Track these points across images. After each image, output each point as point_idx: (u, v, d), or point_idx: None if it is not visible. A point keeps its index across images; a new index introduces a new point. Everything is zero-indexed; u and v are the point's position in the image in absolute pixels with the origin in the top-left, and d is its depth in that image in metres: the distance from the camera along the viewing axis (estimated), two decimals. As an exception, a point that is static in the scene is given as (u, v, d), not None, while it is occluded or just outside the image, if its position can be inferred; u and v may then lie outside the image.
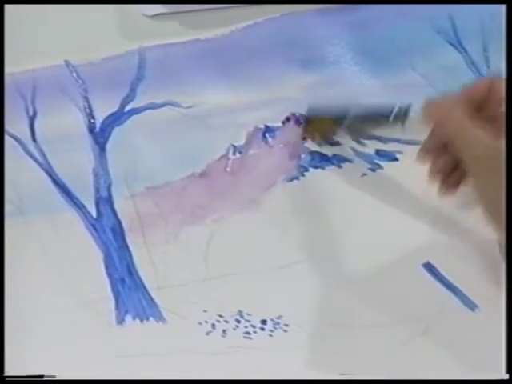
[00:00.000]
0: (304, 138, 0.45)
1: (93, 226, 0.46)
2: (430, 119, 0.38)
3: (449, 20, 0.44)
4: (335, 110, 0.43)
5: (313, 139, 0.45)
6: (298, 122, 0.45)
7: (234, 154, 0.46)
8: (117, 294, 0.45)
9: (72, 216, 0.46)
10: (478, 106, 0.38)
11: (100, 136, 0.47)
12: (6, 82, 0.46)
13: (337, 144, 0.45)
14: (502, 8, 0.43)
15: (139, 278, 0.45)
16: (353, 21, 0.45)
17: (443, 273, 0.43)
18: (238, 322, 0.44)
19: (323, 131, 0.44)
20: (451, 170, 0.40)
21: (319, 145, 0.45)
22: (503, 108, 0.37)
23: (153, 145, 0.46)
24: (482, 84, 0.38)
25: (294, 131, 0.45)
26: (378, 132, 0.43)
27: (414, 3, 0.44)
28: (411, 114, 0.39)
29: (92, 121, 0.47)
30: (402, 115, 0.39)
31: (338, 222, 0.44)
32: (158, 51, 0.46)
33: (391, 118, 0.40)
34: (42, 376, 0.45)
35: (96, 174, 0.46)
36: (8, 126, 0.47)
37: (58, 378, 0.45)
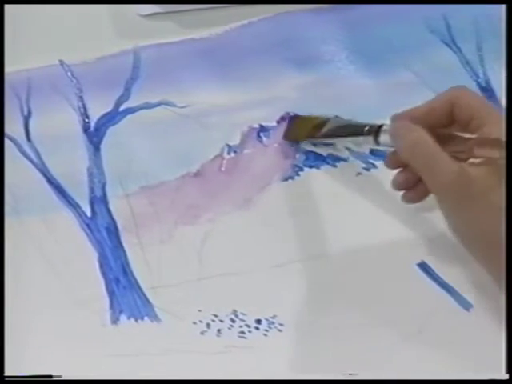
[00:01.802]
0: (285, 138, 0.45)
1: (87, 225, 0.46)
2: (396, 146, 0.38)
3: (443, 19, 0.44)
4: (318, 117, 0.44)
5: (295, 137, 0.45)
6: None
7: (228, 153, 0.46)
8: (111, 294, 0.45)
9: (67, 215, 0.46)
10: (443, 122, 0.38)
11: (94, 135, 0.47)
12: (1, 82, 0.47)
13: (331, 143, 0.45)
14: (501, 8, 0.43)
15: (134, 277, 0.45)
16: (347, 20, 0.45)
17: (438, 272, 0.43)
18: (233, 321, 0.44)
19: (305, 128, 0.44)
20: (413, 185, 0.39)
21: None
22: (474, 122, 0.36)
23: (147, 144, 0.46)
24: (443, 98, 0.38)
25: (288, 131, 0.46)
26: (353, 143, 0.43)
27: (411, 3, 0.44)
28: (384, 128, 0.39)
29: (86, 120, 0.47)
30: (374, 132, 0.39)
31: (333, 221, 0.44)
32: (153, 51, 0.46)
33: (365, 132, 0.40)
34: (38, 376, 0.45)
35: (90, 174, 0.46)
36: (3, 126, 0.47)
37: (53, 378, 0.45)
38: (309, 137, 0.44)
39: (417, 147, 0.36)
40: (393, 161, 0.40)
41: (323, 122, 0.43)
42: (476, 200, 0.34)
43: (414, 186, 0.39)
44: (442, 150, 0.35)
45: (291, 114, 0.45)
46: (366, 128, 0.40)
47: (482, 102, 0.37)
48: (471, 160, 0.35)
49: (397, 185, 0.40)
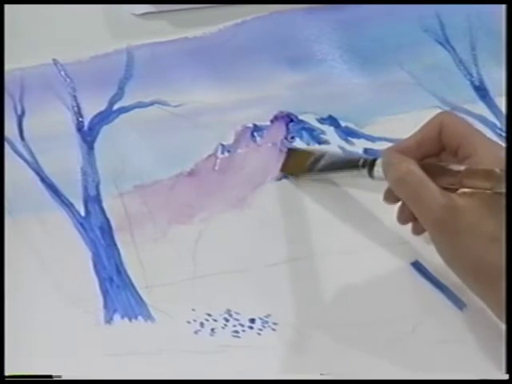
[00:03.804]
0: (282, 170, 0.45)
1: (81, 224, 0.46)
2: (387, 178, 0.37)
3: (436, 18, 0.44)
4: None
5: (290, 171, 0.45)
6: (286, 120, 0.46)
7: (222, 152, 0.46)
8: (105, 293, 0.45)
9: (60, 215, 0.46)
10: (434, 150, 0.37)
11: (88, 135, 0.47)
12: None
13: (325, 143, 0.45)
14: (496, 7, 0.43)
15: (128, 276, 0.45)
16: (341, 19, 0.45)
17: (432, 272, 0.43)
18: (227, 320, 0.44)
19: (303, 162, 0.44)
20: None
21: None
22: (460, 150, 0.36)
23: (141, 143, 0.46)
24: (430, 126, 0.37)
25: (282, 130, 0.45)
26: (348, 174, 0.43)
27: (405, 3, 0.44)
28: (378, 162, 0.39)
29: (80, 119, 0.47)
30: (369, 165, 0.39)
31: (327, 220, 0.44)
32: (147, 50, 0.46)
33: (360, 165, 0.40)
34: (35, 376, 0.45)
35: (84, 173, 0.46)
36: (-4, 125, 0.47)
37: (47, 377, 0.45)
38: (306, 171, 0.44)
39: (404, 179, 0.35)
40: (390, 195, 0.39)
41: (319, 157, 0.43)
42: (465, 232, 0.34)
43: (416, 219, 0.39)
44: (430, 180, 0.35)
45: (285, 114, 0.45)
46: (361, 161, 0.40)
47: (469, 129, 0.36)
48: (462, 190, 0.35)
49: (401, 220, 0.40)
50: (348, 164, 0.42)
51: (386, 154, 0.38)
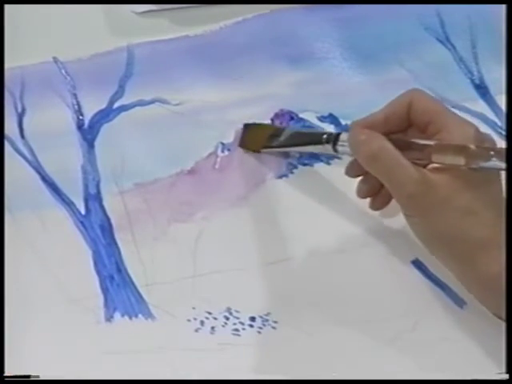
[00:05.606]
0: (240, 145, 0.45)
1: (81, 222, 0.46)
2: (356, 155, 0.37)
3: (437, 17, 0.44)
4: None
5: (250, 146, 0.45)
6: (286, 119, 0.46)
7: (222, 151, 0.46)
8: (105, 291, 0.45)
9: (60, 213, 0.46)
10: (401, 126, 0.37)
11: (88, 133, 0.47)
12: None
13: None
14: (496, 6, 0.43)
15: (128, 275, 0.45)
16: (341, 17, 0.45)
17: (432, 270, 0.43)
18: (227, 318, 0.44)
19: (262, 137, 0.44)
20: (378, 191, 0.39)
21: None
22: (429, 126, 0.36)
23: (141, 142, 0.46)
24: (399, 103, 0.37)
25: (282, 128, 0.46)
26: (311, 149, 0.43)
27: (405, 3, 0.44)
28: (342, 137, 0.39)
29: (80, 117, 0.47)
30: (333, 141, 0.39)
31: (327, 218, 0.44)
32: (147, 48, 0.46)
33: (323, 141, 0.40)
34: (28, 376, 0.45)
35: (85, 171, 0.46)
36: (-4, 124, 0.47)
37: (47, 376, 0.45)
38: (265, 146, 0.44)
39: (378, 157, 0.35)
40: (353, 169, 0.40)
41: (279, 131, 0.43)
42: (441, 207, 0.34)
43: (378, 192, 0.40)
44: (403, 156, 0.35)
45: (285, 111, 0.45)
46: (324, 136, 0.40)
47: (440, 106, 0.36)
48: (432, 165, 0.35)
49: (362, 193, 0.40)
50: (310, 139, 0.41)
51: (354, 129, 0.38)
